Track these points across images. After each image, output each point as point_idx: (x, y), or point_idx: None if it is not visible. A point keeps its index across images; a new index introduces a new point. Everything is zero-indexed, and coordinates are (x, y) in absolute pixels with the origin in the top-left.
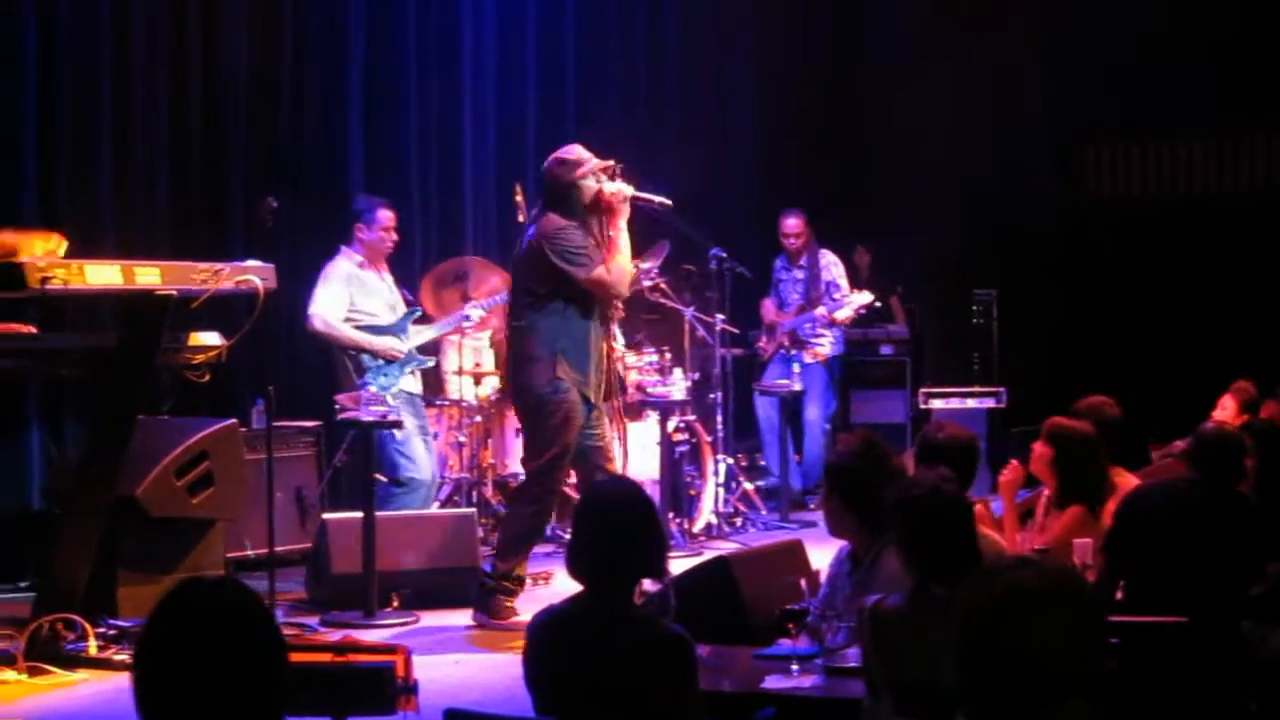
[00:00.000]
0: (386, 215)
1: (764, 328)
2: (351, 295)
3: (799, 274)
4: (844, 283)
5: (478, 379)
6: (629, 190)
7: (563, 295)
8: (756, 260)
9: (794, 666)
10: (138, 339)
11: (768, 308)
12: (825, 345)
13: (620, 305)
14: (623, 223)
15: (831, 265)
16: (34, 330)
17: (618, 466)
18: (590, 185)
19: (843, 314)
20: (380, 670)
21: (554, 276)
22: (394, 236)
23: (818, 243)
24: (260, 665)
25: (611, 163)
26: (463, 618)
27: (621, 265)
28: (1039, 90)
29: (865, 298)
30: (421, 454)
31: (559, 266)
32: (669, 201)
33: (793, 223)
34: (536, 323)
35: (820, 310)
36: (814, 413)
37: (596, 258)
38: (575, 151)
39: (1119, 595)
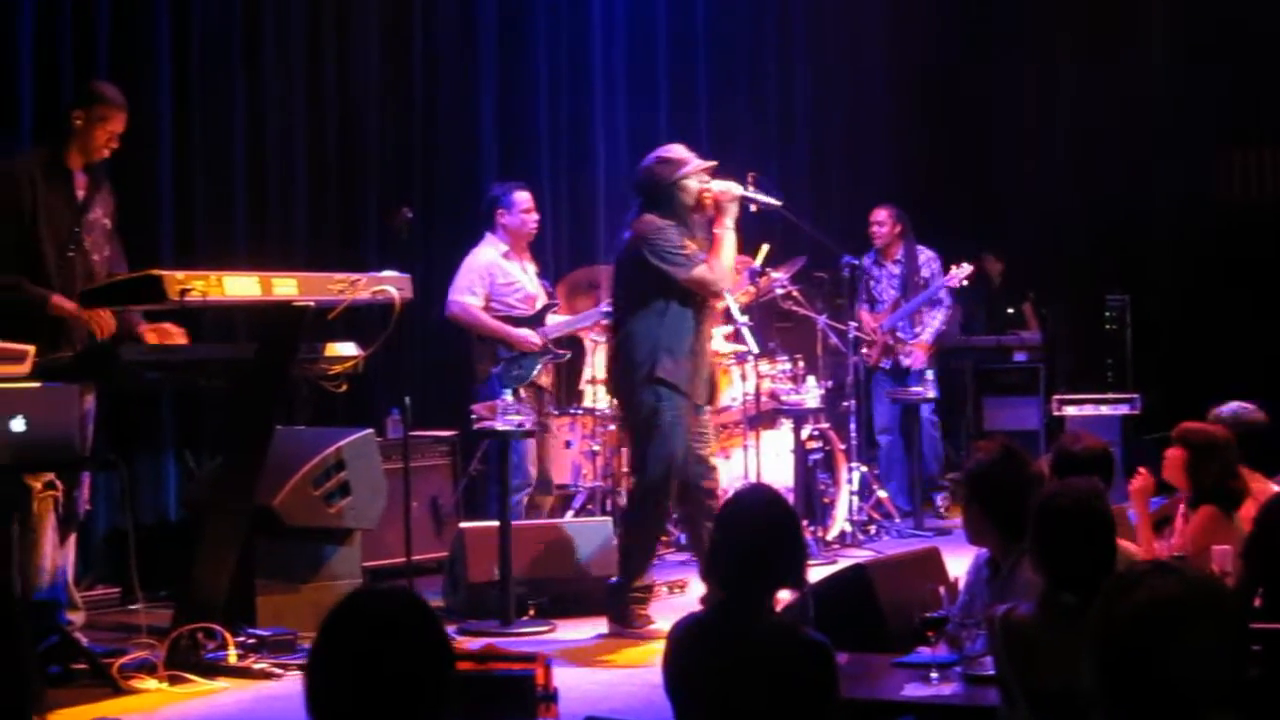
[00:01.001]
0: (524, 196)
1: (864, 338)
2: (493, 282)
3: (893, 269)
4: (941, 277)
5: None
6: (736, 190)
7: (663, 296)
8: None
9: (933, 674)
10: (275, 350)
11: (865, 316)
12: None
13: (731, 308)
14: (729, 221)
15: (931, 261)
16: (184, 338)
17: (719, 472)
18: (693, 185)
19: (955, 278)
20: (521, 678)
21: (654, 277)
22: (535, 216)
23: (915, 238)
24: (432, 671)
25: (714, 163)
26: (599, 626)
27: (724, 264)
28: (1173, 91)
29: (966, 269)
30: (527, 449)
31: (658, 267)
32: (776, 201)
33: (880, 214)
34: (635, 328)
35: (938, 283)
36: (923, 413)
37: (697, 257)
38: (677, 151)
39: (1258, 602)
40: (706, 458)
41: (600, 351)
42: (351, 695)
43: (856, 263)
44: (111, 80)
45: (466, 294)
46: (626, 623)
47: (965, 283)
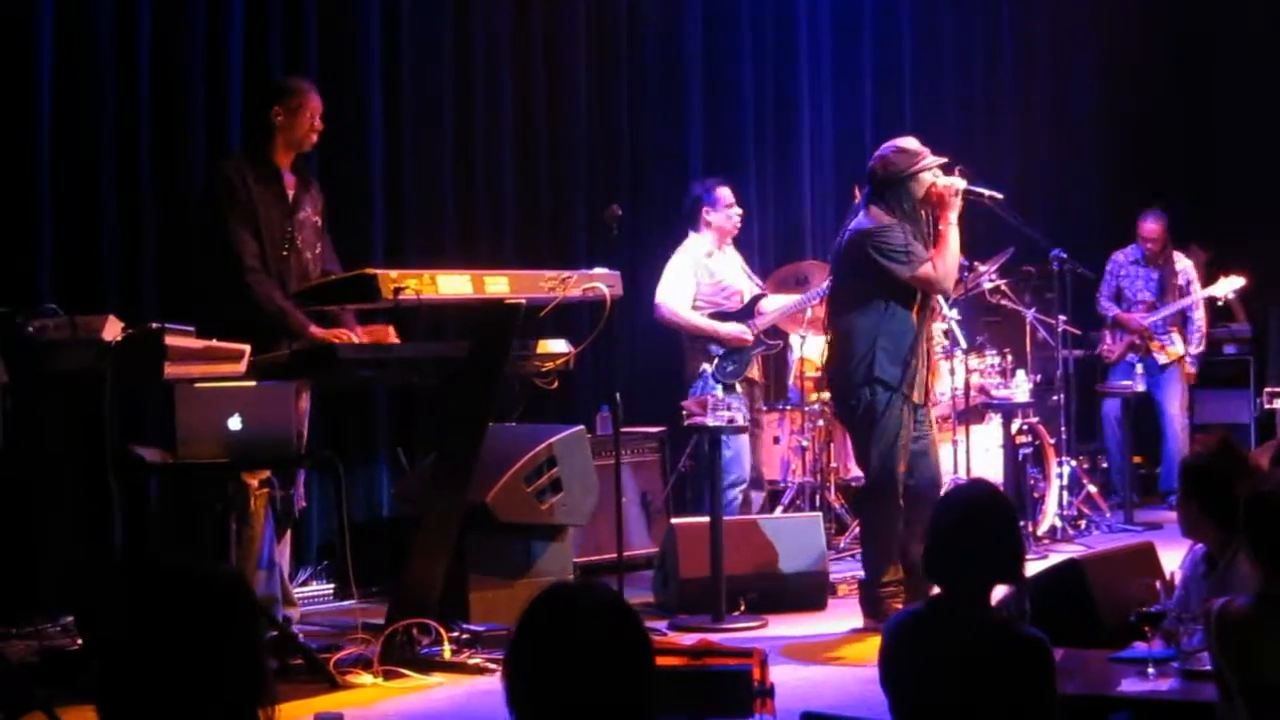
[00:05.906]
0: (726, 191)
1: (1109, 329)
2: (699, 282)
3: (1152, 272)
4: (1197, 284)
5: (819, 383)
6: (961, 184)
7: (884, 293)
8: (1099, 259)
9: (1150, 669)
10: (488, 347)
11: (1112, 308)
12: (1178, 344)
13: (940, 305)
14: (953, 217)
15: (1188, 270)
16: (395, 338)
17: (943, 468)
18: (926, 179)
19: (1221, 289)
20: (737, 673)
21: (876, 274)
22: (739, 211)
23: (1173, 243)
24: (630, 663)
25: (946, 160)
26: (810, 621)
27: (949, 262)
28: None
29: (1237, 282)
30: (742, 444)
31: (881, 264)
32: (1000, 195)
33: (1153, 227)
34: (855, 321)
35: (1200, 295)
36: (1174, 409)
37: (920, 255)
38: (913, 143)
39: None
40: (930, 452)
41: (807, 345)
42: (551, 686)
43: (1064, 256)
44: (321, 84)
45: (674, 295)
46: (880, 617)
47: (1232, 295)
